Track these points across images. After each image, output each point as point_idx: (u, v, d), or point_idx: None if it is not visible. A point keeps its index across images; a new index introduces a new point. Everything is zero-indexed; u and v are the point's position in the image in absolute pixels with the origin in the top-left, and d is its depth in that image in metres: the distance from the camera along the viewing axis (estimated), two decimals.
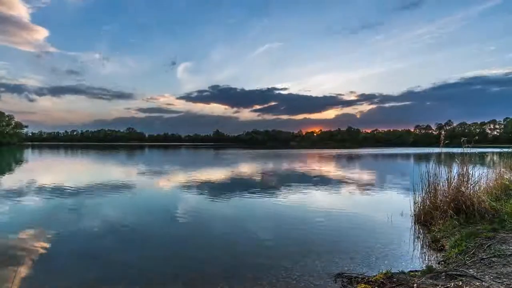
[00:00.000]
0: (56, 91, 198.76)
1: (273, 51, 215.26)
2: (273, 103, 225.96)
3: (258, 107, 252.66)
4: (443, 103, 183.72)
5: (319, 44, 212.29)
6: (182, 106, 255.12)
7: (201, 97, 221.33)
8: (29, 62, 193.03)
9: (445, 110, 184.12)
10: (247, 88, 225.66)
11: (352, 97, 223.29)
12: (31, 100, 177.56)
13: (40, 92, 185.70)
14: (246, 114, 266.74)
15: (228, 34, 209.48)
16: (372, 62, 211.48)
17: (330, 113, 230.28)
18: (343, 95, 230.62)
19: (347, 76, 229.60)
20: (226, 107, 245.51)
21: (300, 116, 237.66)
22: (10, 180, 13.15)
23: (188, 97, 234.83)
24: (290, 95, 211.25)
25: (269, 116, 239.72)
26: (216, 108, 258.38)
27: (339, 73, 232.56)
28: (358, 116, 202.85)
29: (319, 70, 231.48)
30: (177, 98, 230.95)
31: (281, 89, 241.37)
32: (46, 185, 11.27)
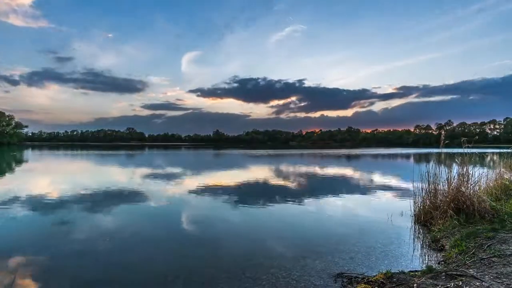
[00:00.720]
0: (43, 77, 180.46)
1: (296, 36, 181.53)
2: (294, 98, 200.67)
3: (276, 102, 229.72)
4: (493, 97, 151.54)
5: (353, 25, 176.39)
6: (192, 102, 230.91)
7: (213, 91, 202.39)
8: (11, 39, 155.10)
9: (495, 105, 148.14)
10: (266, 80, 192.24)
11: (390, 90, 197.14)
12: (7, 91, 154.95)
13: (27, 80, 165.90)
14: (260, 110, 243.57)
15: (242, 16, 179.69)
16: (420, 47, 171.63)
17: (354, 110, 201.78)
18: (378, 87, 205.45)
19: (389, 65, 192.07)
20: (241, 102, 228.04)
21: (317, 114, 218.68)
22: (11, 182, 13.15)
23: (201, 91, 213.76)
24: (316, 88, 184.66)
25: (284, 115, 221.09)
26: (230, 104, 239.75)
27: (378, 61, 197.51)
28: (379, 114, 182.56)
29: (353, 57, 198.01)
30: (188, 92, 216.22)
31: (307, 80, 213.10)
32: (46, 188, 11.26)
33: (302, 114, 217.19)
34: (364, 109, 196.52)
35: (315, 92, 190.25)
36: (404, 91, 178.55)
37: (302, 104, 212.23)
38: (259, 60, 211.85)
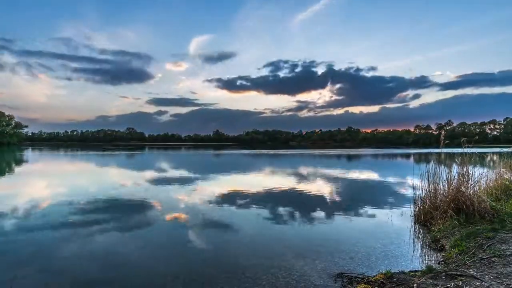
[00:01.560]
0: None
1: (332, 12, 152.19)
2: (328, 89, 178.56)
3: (304, 96, 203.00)
4: None
5: None
6: (206, 96, 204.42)
7: (232, 81, 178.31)
8: None
9: None
10: (305, 64, 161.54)
11: (451, 78, 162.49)
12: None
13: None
14: (282, 104, 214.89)
15: None
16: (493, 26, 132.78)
17: (387, 105, 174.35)
18: (434, 75, 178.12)
19: (451, 48, 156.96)
20: (263, 95, 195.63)
21: (342, 110, 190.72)
22: (9, 185, 13.16)
23: (220, 81, 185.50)
24: (363, 77, 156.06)
25: (305, 111, 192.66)
26: (248, 98, 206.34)
27: (436, 43, 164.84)
28: (414, 110, 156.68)
29: (401, 38, 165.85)
30: (204, 82, 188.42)
31: (357, 65, 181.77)
32: (46, 191, 11.26)
33: (323, 112, 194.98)
34: (399, 105, 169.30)
35: (360, 80, 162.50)
36: (466, 79, 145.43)
37: (333, 98, 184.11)
38: (281, 42, 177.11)
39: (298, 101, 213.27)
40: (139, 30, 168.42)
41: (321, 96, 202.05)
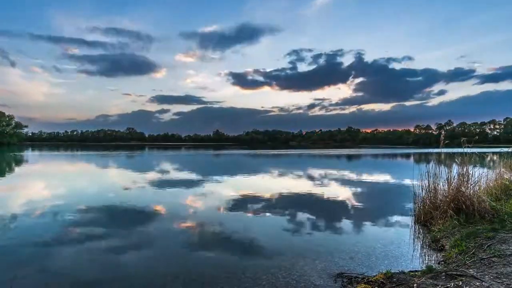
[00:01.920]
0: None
1: None
2: (348, 83, 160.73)
3: (322, 93, 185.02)
4: None
5: None
6: (214, 93, 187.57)
7: (243, 75, 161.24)
8: None
9: None
10: (328, 54, 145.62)
11: (490, 70, 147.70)
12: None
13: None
14: (295, 101, 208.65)
15: None
16: None
17: (400, 103, 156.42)
18: (474, 64, 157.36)
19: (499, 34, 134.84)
20: (277, 92, 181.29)
21: (353, 108, 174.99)
22: (9, 186, 13.16)
23: (233, 76, 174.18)
24: (392, 69, 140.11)
25: (317, 109, 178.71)
26: (260, 95, 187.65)
27: (484, 27, 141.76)
28: (433, 108, 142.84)
29: (444, 23, 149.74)
30: (215, 76, 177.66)
31: (392, 54, 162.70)
32: (45, 193, 11.26)
33: (336, 111, 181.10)
34: (417, 102, 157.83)
35: (387, 73, 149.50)
36: (505, 71, 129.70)
37: (352, 95, 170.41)
38: (312, 29, 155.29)
39: (314, 98, 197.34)
40: (139, 21, 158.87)
41: (339, 91, 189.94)
